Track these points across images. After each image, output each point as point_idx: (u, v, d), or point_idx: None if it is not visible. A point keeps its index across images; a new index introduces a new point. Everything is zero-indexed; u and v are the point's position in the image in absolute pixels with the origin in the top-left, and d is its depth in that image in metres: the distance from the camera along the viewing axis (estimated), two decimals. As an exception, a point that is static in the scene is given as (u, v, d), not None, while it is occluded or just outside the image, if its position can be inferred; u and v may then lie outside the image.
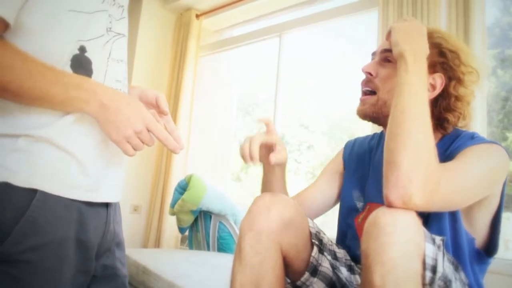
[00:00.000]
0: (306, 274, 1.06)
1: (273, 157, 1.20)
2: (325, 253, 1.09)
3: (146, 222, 3.41)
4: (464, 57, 1.12)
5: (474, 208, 1.02)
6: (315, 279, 1.07)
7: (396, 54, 1.03)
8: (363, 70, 1.20)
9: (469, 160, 0.98)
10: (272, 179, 1.28)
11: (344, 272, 1.12)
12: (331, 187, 1.37)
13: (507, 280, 1.78)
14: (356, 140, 1.40)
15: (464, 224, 1.04)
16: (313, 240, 1.07)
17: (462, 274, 0.96)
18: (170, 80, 3.51)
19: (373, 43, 2.31)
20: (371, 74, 1.18)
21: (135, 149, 0.91)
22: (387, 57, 1.16)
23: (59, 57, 0.88)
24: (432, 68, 1.09)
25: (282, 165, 1.27)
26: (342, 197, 1.32)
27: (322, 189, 1.36)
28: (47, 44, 0.87)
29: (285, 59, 3.08)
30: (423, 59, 1.01)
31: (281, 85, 3.06)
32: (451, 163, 0.98)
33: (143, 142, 0.91)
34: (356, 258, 1.18)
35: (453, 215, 1.03)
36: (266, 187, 1.30)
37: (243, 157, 1.15)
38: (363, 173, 1.27)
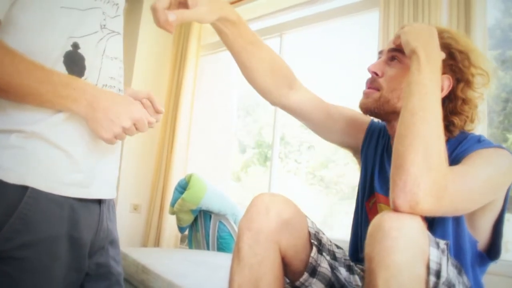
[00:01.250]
0: (305, 275, 1.06)
1: (171, 15, 0.99)
2: (324, 254, 1.09)
3: (146, 221, 3.41)
4: (474, 58, 1.09)
5: (477, 211, 1.01)
6: (314, 280, 1.07)
7: (408, 52, 1.02)
8: (369, 70, 1.17)
9: (476, 165, 0.97)
10: (225, 40, 1.21)
11: (343, 273, 1.12)
12: (340, 128, 1.32)
13: (507, 281, 1.77)
14: (380, 123, 1.32)
15: (467, 227, 1.04)
16: (312, 241, 1.07)
17: (465, 278, 0.96)
18: (171, 79, 3.51)
19: (374, 43, 2.30)
20: (377, 74, 1.16)
21: (119, 140, 0.93)
22: (394, 56, 1.15)
23: (51, 54, 0.88)
24: (441, 68, 1.07)
25: (222, 20, 1.14)
26: (361, 176, 1.29)
27: (330, 119, 1.31)
28: (39, 40, 0.87)
29: (285, 59, 3.06)
30: (436, 59, 0.99)
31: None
32: (458, 167, 0.96)
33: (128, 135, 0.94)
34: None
35: (457, 219, 1.03)
36: (229, 50, 1.23)
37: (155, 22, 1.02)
38: (373, 157, 1.25)
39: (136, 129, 0.93)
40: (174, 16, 1.00)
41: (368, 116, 1.30)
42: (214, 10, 1.10)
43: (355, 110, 1.35)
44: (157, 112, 1.04)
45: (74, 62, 0.91)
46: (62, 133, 0.89)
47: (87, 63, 0.94)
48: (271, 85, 1.27)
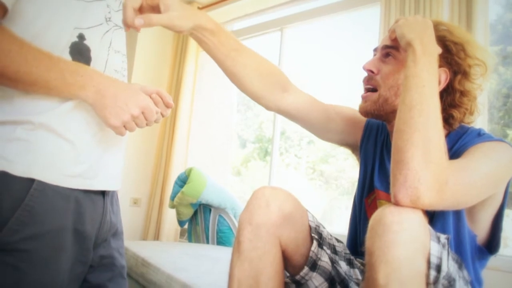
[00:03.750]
0: (306, 269, 1.06)
1: (138, 20, 0.97)
2: (324, 247, 1.08)
3: (145, 215, 3.41)
4: (470, 49, 1.08)
5: (477, 205, 1.00)
6: (314, 274, 1.07)
7: (404, 45, 1.01)
8: (364, 68, 1.17)
9: (477, 159, 0.96)
10: (206, 49, 1.18)
11: (343, 266, 1.12)
12: (339, 127, 1.31)
13: (506, 276, 1.78)
14: (376, 121, 1.32)
15: (466, 221, 1.04)
16: (312, 234, 1.07)
17: (465, 272, 0.96)
18: (171, 74, 3.51)
19: (375, 38, 2.30)
20: (372, 72, 1.15)
21: (129, 130, 0.93)
22: (388, 53, 1.14)
23: (57, 44, 0.89)
24: (437, 61, 1.06)
25: (198, 29, 1.12)
26: (360, 172, 1.29)
27: (327, 118, 1.30)
28: (46, 31, 0.88)
29: (286, 53, 3.07)
30: (433, 51, 0.98)
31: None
32: (459, 161, 0.96)
33: (137, 125, 0.93)
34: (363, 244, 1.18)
35: (457, 213, 1.03)
36: (214, 59, 1.20)
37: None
38: (373, 154, 1.25)
39: (145, 118, 0.93)
40: (141, 20, 0.98)
41: (360, 118, 1.29)
42: (187, 17, 1.08)
43: (352, 108, 1.35)
44: (167, 106, 1.03)
45: (80, 53, 0.92)
46: (69, 123, 0.89)
47: (92, 54, 0.94)
48: (262, 90, 1.26)
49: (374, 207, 1.16)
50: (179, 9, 1.05)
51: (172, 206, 2.80)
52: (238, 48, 1.21)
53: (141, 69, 3.44)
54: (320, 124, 1.31)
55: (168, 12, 1.03)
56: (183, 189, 2.65)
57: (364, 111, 1.18)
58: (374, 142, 1.27)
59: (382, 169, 1.20)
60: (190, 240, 2.90)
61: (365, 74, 1.19)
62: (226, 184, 3.31)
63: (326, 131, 1.33)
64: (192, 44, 3.40)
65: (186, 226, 2.96)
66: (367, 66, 1.17)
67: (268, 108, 1.31)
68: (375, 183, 1.20)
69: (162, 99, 1.01)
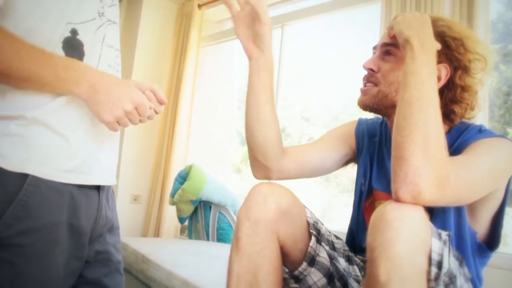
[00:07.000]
0: (304, 264, 1.07)
1: None
2: (322, 243, 1.09)
3: (146, 211, 3.42)
4: (470, 44, 1.08)
5: (478, 202, 1.00)
6: (313, 269, 1.07)
7: (402, 42, 1.01)
8: (364, 67, 1.17)
9: (478, 155, 0.96)
10: (257, 84, 1.19)
11: (342, 263, 1.12)
12: (335, 153, 1.28)
13: (505, 274, 1.78)
14: (368, 120, 1.33)
15: (467, 218, 1.04)
16: (310, 230, 1.07)
17: (466, 269, 0.96)
18: (172, 70, 3.51)
19: (376, 35, 2.29)
20: (373, 70, 1.15)
21: (122, 126, 0.93)
22: (388, 50, 1.14)
23: (50, 39, 0.89)
24: (436, 58, 1.04)
25: (268, 66, 1.17)
26: (356, 178, 1.28)
27: (322, 151, 1.26)
28: (38, 26, 0.88)
29: (286, 51, 3.06)
30: (431, 47, 0.98)
31: (283, 77, 3.05)
32: (460, 157, 0.96)
33: (130, 121, 0.93)
34: (361, 245, 1.17)
35: (458, 210, 1.03)
36: (251, 97, 1.23)
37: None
38: (370, 156, 1.25)
39: (138, 114, 0.93)
40: None
41: (350, 122, 1.31)
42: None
43: (335, 128, 1.35)
44: (161, 102, 1.03)
45: (73, 48, 0.92)
46: (62, 119, 0.90)
47: (85, 49, 0.94)
48: (274, 149, 1.20)
49: (372, 210, 1.16)
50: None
51: (172, 203, 2.81)
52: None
53: (141, 67, 3.44)
54: (324, 166, 1.29)
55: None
56: (183, 186, 2.66)
57: (363, 104, 1.18)
58: (368, 144, 1.27)
59: (382, 169, 1.20)
60: (190, 237, 2.90)
61: (365, 72, 1.19)
62: (226, 181, 3.31)
63: (328, 168, 1.30)
64: (193, 40, 3.40)
65: (186, 223, 2.96)
66: (367, 64, 1.16)
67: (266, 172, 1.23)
68: (373, 184, 1.20)
69: (155, 95, 1.01)
